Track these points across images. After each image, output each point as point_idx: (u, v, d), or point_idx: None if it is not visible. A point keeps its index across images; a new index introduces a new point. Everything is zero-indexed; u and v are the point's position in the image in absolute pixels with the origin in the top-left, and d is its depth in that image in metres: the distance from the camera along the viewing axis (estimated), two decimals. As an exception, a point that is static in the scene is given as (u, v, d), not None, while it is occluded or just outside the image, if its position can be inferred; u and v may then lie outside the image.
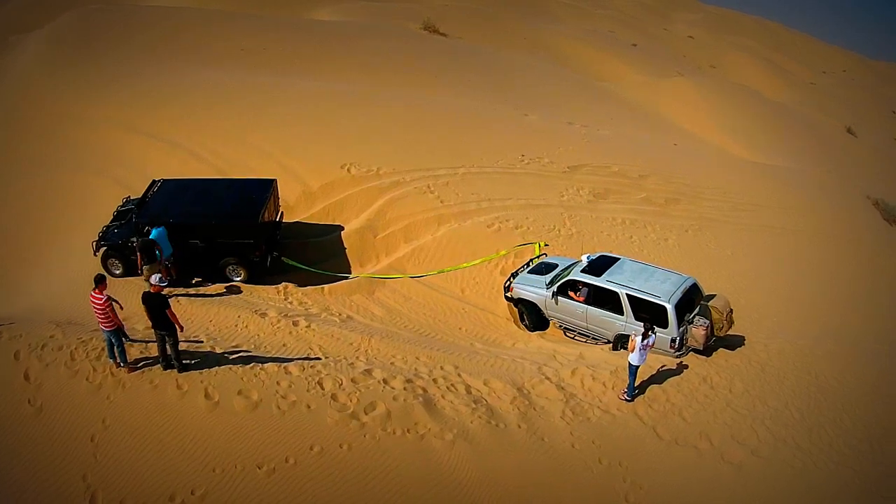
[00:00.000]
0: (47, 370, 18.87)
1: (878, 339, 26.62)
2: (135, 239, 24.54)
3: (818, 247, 34.29)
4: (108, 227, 26.63)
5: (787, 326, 26.30)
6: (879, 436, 20.44)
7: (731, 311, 23.71)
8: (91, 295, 18.52)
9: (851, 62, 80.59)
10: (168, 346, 19.03)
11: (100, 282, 18.71)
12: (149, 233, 24.30)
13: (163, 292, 19.11)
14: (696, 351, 23.25)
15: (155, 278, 19.31)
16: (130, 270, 25.19)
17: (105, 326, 18.57)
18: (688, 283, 23.80)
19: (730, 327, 23.69)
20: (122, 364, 19.01)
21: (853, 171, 50.44)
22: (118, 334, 18.82)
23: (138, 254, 23.76)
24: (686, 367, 22.67)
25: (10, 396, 18.28)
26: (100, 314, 18.49)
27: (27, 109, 37.29)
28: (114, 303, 18.72)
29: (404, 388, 19.86)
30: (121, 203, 28.29)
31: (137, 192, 27.99)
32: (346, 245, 29.46)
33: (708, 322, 22.81)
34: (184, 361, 19.30)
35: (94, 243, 25.97)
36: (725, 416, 20.71)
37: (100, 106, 36.93)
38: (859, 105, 67.32)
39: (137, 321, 21.47)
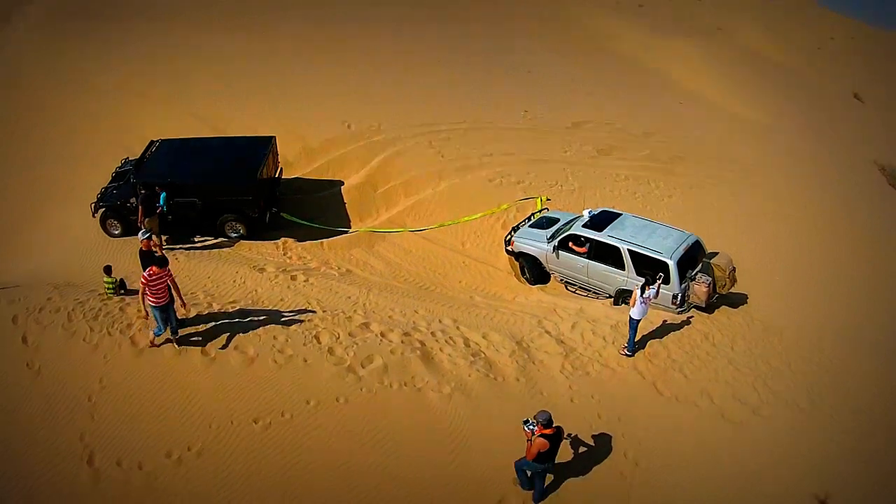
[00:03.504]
0: (45, 332, 18.74)
1: (878, 305, 26.28)
2: (134, 198, 24.62)
3: (824, 210, 33.82)
4: (106, 188, 26.54)
5: (789, 286, 25.98)
6: (882, 400, 20.21)
7: (734, 269, 23.49)
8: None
9: (859, 30, 79.50)
10: None
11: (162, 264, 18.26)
12: (158, 194, 24.35)
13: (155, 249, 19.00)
14: (699, 308, 23.02)
15: (140, 234, 19.18)
16: (129, 231, 25.11)
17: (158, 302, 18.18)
18: (690, 240, 23.53)
19: (732, 285, 23.47)
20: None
21: (860, 136, 49.85)
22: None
23: (139, 207, 23.67)
24: (688, 323, 22.47)
25: (8, 360, 18.17)
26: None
27: (27, 76, 36.98)
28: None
29: (402, 342, 19.77)
30: (119, 164, 28.13)
31: (136, 153, 27.71)
32: (346, 200, 29.31)
33: (710, 279, 22.59)
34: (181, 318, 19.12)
35: (93, 205, 25.87)
36: (727, 374, 20.53)
37: (98, 68, 36.70)
38: (867, 72, 66.54)
39: (134, 281, 21.34)
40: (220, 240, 26.14)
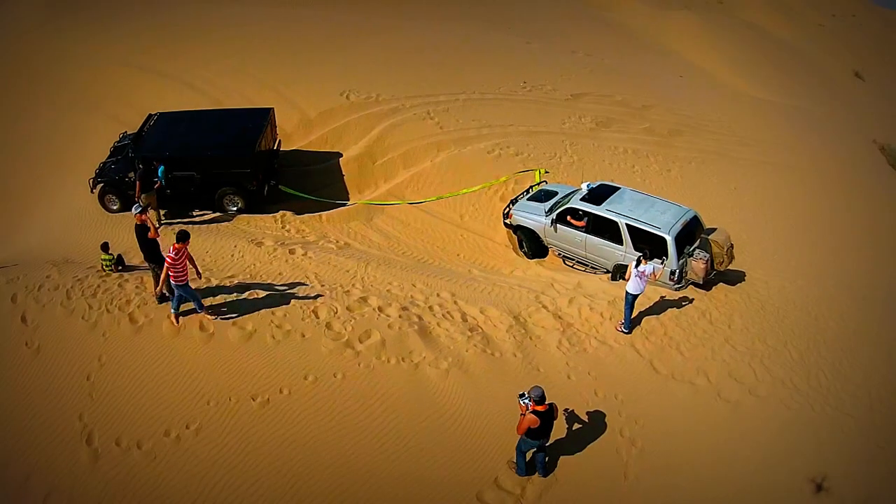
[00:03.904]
0: (44, 311, 18.77)
1: (876, 286, 26.24)
2: (132, 173, 24.61)
3: (824, 188, 33.67)
4: (104, 163, 26.49)
5: (787, 265, 25.90)
6: (878, 384, 20.16)
7: (732, 245, 23.41)
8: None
9: (861, 8, 78.92)
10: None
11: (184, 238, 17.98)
12: (156, 168, 24.31)
13: (147, 222, 18.94)
14: (696, 285, 22.99)
15: (134, 208, 19.14)
16: (128, 206, 24.96)
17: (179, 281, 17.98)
18: (688, 216, 23.48)
19: (730, 262, 23.39)
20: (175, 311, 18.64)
21: (860, 115, 49.66)
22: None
23: (137, 182, 23.62)
24: (685, 300, 22.47)
25: (7, 340, 18.19)
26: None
27: (25, 52, 36.76)
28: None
29: (399, 316, 19.79)
30: (117, 139, 28.04)
31: (135, 127, 27.61)
32: (344, 172, 29.28)
33: (708, 256, 22.51)
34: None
35: (92, 180, 25.85)
36: (724, 352, 20.52)
37: (96, 44, 36.52)
38: (868, 50, 66.20)
39: (133, 257, 21.42)
40: (217, 214, 26.10)
